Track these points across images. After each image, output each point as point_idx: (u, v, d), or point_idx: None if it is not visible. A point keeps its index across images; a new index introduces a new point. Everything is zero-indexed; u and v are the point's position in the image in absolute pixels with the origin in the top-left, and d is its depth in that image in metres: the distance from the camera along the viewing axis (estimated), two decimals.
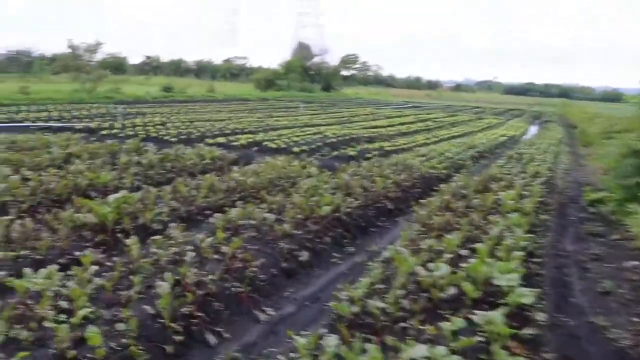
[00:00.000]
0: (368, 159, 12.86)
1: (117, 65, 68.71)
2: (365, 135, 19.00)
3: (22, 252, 5.26)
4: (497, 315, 3.78)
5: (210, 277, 4.79)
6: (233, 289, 4.94)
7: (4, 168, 8.37)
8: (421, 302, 4.30)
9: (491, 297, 4.42)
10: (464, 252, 5.45)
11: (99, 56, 47.53)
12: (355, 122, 25.94)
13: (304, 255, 6.08)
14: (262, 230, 6.24)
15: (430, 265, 4.83)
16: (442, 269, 4.65)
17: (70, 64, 42.87)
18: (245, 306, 4.93)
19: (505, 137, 21.84)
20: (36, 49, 65.84)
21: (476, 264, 4.61)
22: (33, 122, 18.22)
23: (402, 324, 4.05)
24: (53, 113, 21.79)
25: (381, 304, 4.18)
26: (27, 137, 12.25)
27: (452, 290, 4.45)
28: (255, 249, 5.73)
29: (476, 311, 3.96)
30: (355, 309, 4.24)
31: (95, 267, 4.67)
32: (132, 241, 5.19)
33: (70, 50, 43.64)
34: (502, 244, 5.44)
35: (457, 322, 3.79)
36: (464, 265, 4.79)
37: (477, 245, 5.19)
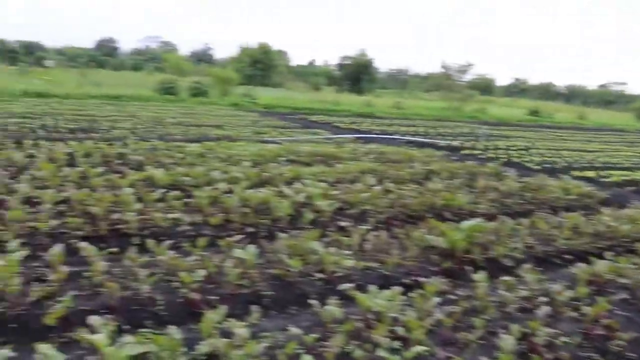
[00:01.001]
0: None
1: (484, 87, 70.06)
2: None
3: (371, 264, 5.33)
4: None
5: (563, 339, 4.03)
6: None
7: (369, 178, 8.90)
8: None
9: None
10: None
11: (468, 77, 49.16)
12: None
13: None
14: (635, 294, 5.10)
15: None
16: None
17: (442, 83, 45.39)
18: None
19: None
20: (412, 68, 72.05)
21: None
22: (402, 135, 19.46)
23: None
24: (420, 128, 23.03)
25: None
26: (394, 150, 13.00)
27: None
28: (625, 316, 4.68)
29: None
30: None
31: (436, 298, 4.37)
32: (480, 276, 4.75)
33: (443, 70, 46.23)
34: None
35: None
36: None
37: None
